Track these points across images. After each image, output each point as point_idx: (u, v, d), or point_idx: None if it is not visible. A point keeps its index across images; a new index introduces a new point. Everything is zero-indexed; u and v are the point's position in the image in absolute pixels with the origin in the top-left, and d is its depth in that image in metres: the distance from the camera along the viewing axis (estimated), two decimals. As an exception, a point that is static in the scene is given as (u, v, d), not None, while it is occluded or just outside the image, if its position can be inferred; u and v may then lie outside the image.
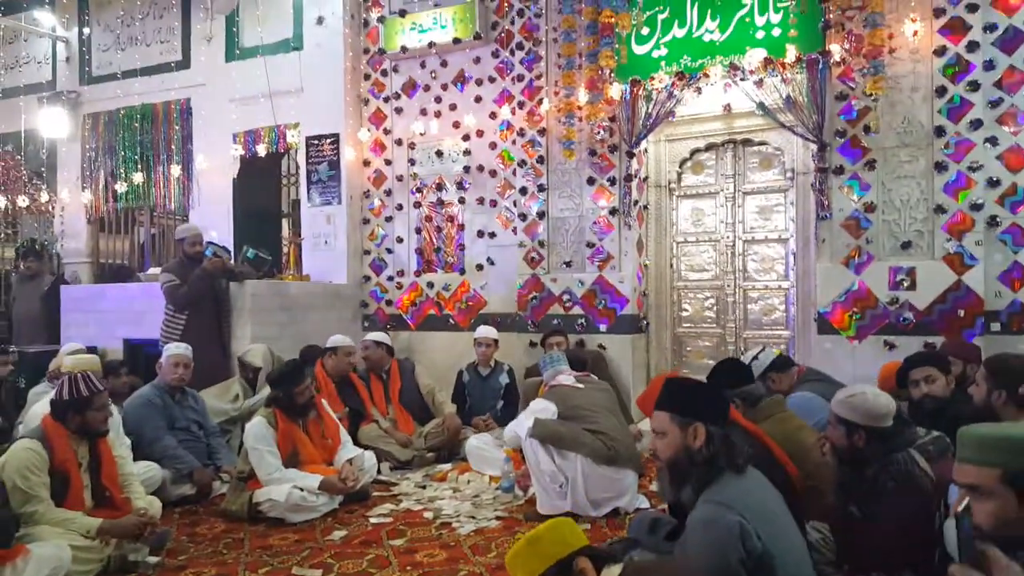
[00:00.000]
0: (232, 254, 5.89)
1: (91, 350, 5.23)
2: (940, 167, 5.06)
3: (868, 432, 2.36)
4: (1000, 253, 5.00)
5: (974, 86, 4.98)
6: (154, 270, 6.41)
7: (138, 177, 7.70)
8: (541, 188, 6.26)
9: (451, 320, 6.73)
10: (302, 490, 3.88)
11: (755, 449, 2.32)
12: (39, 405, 3.99)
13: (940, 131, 5.06)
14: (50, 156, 8.23)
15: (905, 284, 5.11)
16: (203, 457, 4.49)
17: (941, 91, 5.06)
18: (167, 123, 7.71)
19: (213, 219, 7.16)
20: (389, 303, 7.00)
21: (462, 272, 6.72)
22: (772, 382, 3.63)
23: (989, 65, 5.00)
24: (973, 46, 5.00)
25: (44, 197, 8.20)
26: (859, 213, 5.28)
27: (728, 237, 6.16)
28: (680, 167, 6.36)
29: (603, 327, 6.03)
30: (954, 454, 1.68)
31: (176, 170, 7.57)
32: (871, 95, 5.06)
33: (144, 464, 3.98)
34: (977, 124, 4.98)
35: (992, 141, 4.99)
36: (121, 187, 7.81)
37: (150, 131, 7.79)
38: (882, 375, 4.11)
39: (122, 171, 7.86)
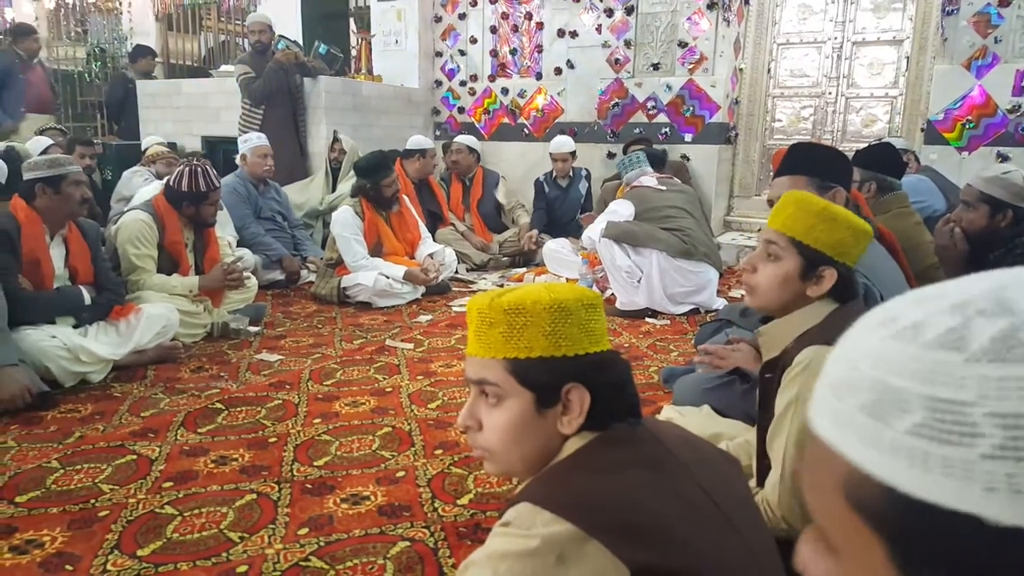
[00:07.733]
0: (303, 50, 5.68)
1: (170, 147, 5.26)
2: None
3: (1016, 211, 2.18)
4: None
5: None
6: (227, 67, 6.26)
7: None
8: (632, -21, 5.71)
9: (525, 130, 6.48)
10: (388, 277, 3.95)
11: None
12: (146, 189, 4.05)
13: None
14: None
15: (1032, 90, 4.63)
16: (289, 248, 4.59)
17: None
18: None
19: (280, 18, 6.80)
20: (461, 110, 6.75)
21: (538, 77, 6.36)
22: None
23: None
24: None
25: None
26: (991, 8, 4.70)
27: (836, 38, 5.58)
28: (789, -44, 5.69)
29: (688, 136, 5.72)
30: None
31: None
32: None
33: (238, 249, 4.07)
34: None
35: None
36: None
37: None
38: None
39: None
